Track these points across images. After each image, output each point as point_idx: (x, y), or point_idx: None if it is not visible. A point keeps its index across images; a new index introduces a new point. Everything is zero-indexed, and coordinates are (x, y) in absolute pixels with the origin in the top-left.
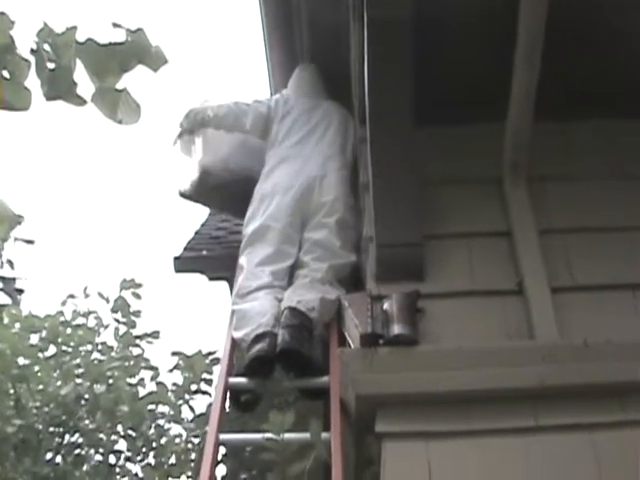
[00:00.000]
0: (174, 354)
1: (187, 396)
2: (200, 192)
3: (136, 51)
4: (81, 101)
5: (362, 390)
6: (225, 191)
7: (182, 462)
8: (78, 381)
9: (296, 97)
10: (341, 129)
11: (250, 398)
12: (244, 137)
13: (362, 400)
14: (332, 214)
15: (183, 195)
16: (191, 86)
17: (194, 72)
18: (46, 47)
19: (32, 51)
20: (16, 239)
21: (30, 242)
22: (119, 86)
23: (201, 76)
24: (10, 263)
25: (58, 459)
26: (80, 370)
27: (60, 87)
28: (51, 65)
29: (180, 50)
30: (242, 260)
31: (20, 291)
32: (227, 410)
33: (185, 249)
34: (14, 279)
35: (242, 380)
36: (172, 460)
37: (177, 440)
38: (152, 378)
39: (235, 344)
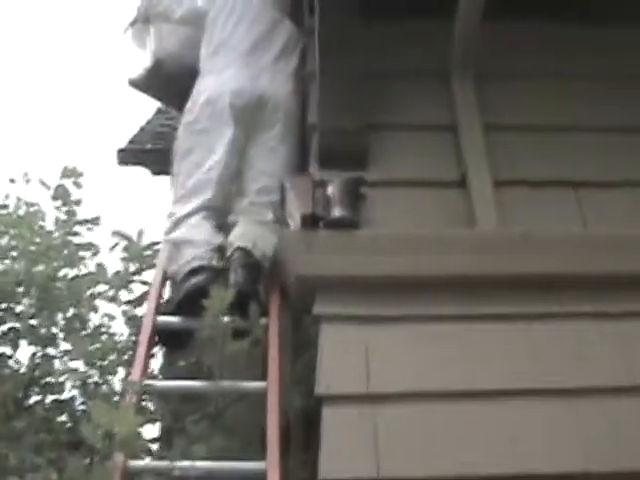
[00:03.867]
0: (114, 234)
1: (127, 282)
2: (150, 83)
3: None
4: None
5: (301, 271)
6: (175, 85)
7: (120, 355)
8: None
9: (249, 4)
10: (294, 50)
11: (180, 338)
12: (191, 32)
13: (301, 281)
14: (282, 141)
15: (133, 84)
16: None
17: None
18: None
19: None
20: None
21: None
22: None
23: None
24: None
25: None
26: (17, 252)
27: None
28: None
29: None
30: (177, 169)
31: None
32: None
33: (130, 142)
34: None
35: (172, 319)
36: (112, 356)
37: (117, 337)
38: (91, 257)
39: (166, 277)
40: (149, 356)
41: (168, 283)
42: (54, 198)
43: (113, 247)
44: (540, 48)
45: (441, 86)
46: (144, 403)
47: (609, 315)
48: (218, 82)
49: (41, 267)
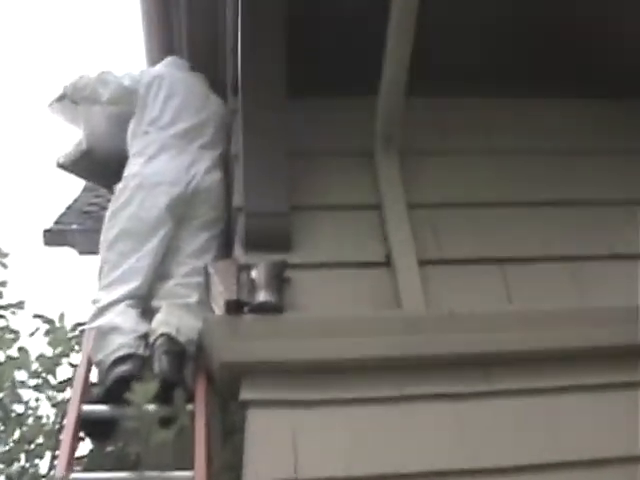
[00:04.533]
0: (36, 317)
1: (52, 366)
2: (79, 166)
3: None
4: None
5: (226, 357)
6: (105, 166)
7: (47, 438)
8: None
9: (178, 80)
10: (224, 134)
11: (106, 427)
12: (121, 111)
13: (226, 367)
14: (210, 226)
15: (61, 166)
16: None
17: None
18: None
19: None
20: None
21: None
22: None
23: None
24: None
25: None
26: None
27: None
28: None
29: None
30: (104, 256)
31: None
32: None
33: (56, 222)
34: None
35: (98, 407)
36: (40, 440)
37: (44, 419)
38: (12, 342)
39: (91, 366)
40: (75, 446)
41: (94, 370)
42: None
43: (34, 332)
44: (466, 123)
45: (366, 164)
46: None
47: (537, 390)
48: (152, 168)
49: None
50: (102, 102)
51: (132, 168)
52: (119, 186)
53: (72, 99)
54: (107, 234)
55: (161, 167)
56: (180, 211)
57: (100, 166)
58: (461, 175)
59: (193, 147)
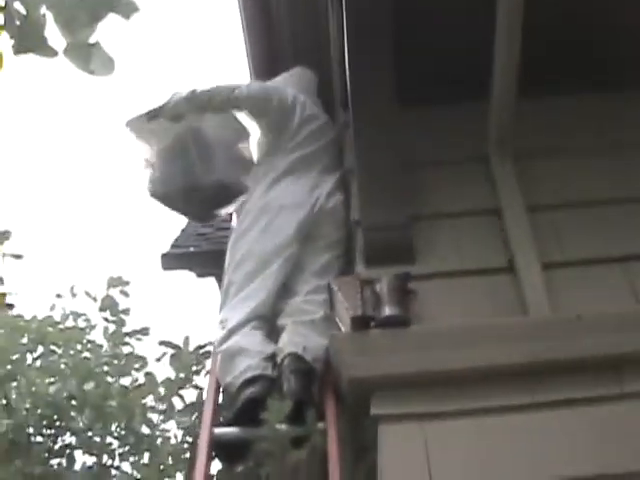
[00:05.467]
0: (161, 344)
1: (177, 389)
2: (180, 203)
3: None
4: (53, 52)
5: (355, 373)
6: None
7: (176, 459)
8: (67, 381)
9: (311, 104)
10: (337, 152)
11: (236, 449)
12: (234, 141)
13: (356, 384)
14: (334, 245)
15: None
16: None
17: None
18: (15, 3)
19: (0, 8)
20: (4, 254)
21: (18, 257)
22: (92, 40)
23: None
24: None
25: (51, 461)
26: (68, 370)
27: (30, 42)
28: (20, 20)
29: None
30: (230, 277)
31: (10, 306)
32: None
33: (172, 246)
34: (4, 294)
35: (229, 430)
36: (169, 461)
37: (172, 440)
38: (139, 368)
39: (219, 389)
40: (208, 467)
41: (221, 393)
42: (101, 309)
43: (161, 357)
44: (578, 122)
45: (481, 170)
46: None
47: None
48: (275, 192)
49: (92, 384)
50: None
51: (256, 191)
52: (241, 210)
53: (180, 113)
54: (233, 256)
55: (285, 190)
56: (305, 232)
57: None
58: (578, 174)
59: (314, 171)
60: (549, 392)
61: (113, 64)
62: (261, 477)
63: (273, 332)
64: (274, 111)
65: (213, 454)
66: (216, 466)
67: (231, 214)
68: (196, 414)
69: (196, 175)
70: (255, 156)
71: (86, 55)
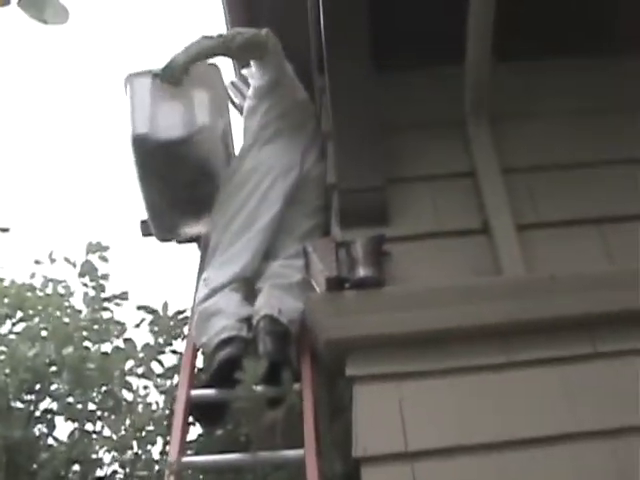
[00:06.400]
0: (140, 308)
1: (157, 354)
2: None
3: None
4: (5, 1)
5: (330, 334)
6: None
7: (158, 425)
8: (46, 345)
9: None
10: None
11: (214, 411)
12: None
13: (331, 344)
14: (318, 214)
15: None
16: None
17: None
18: None
19: None
20: None
21: (5, 230)
22: None
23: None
24: None
25: (32, 427)
26: (47, 333)
27: None
28: None
29: None
30: (217, 237)
31: None
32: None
33: None
34: None
35: (206, 392)
36: (150, 426)
37: (154, 406)
38: (118, 335)
39: (196, 352)
40: (185, 431)
41: (199, 356)
42: (81, 275)
43: (140, 323)
44: (554, 86)
45: (457, 133)
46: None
47: None
48: (266, 152)
49: (71, 348)
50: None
51: (245, 152)
52: (231, 168)
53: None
54: (221, 215)
55: (276, 152)
56: (291, 197)
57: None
58: (554, 137)
59: (304, 137)
60: (523, 352)
61: (67, 14)
62: (240, 438)
63: (252, 294)
64: (272, 52)
65: (192, 418)
66: (196, 431)
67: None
68: (175, 378)
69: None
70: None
71: (40, 4)
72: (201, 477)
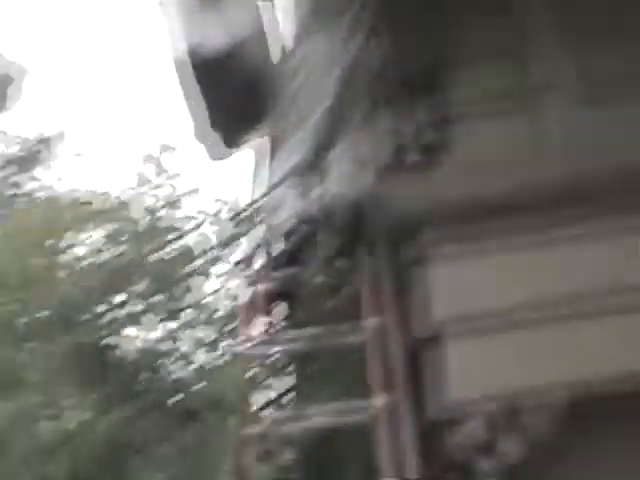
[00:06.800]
0: (200, 213)
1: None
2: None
3: None
4: None
5: (399, 209)
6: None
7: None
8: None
9: None
10: None
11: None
12: None
13: (399, 220)
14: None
15: None
16: None
17: None
18: None
19: None
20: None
21: (78, 155)
22: None
23: None
24: None
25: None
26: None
27: None
28: None
29: None
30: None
31: None
32: None
33: None
34: None
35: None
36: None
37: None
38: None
39: (270, 234)
40: (268, 309)
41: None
42: (157, 174)
43: (217, 213)
44: None
45: None
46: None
47: None
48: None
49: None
50: None
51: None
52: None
53: None
54: (294, 111)
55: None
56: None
57: None
58: None
59: None
60: None
61: None
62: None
63: (314, 182)
64: None
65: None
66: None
67: None
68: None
69: None
70: None
71: None
72: None
